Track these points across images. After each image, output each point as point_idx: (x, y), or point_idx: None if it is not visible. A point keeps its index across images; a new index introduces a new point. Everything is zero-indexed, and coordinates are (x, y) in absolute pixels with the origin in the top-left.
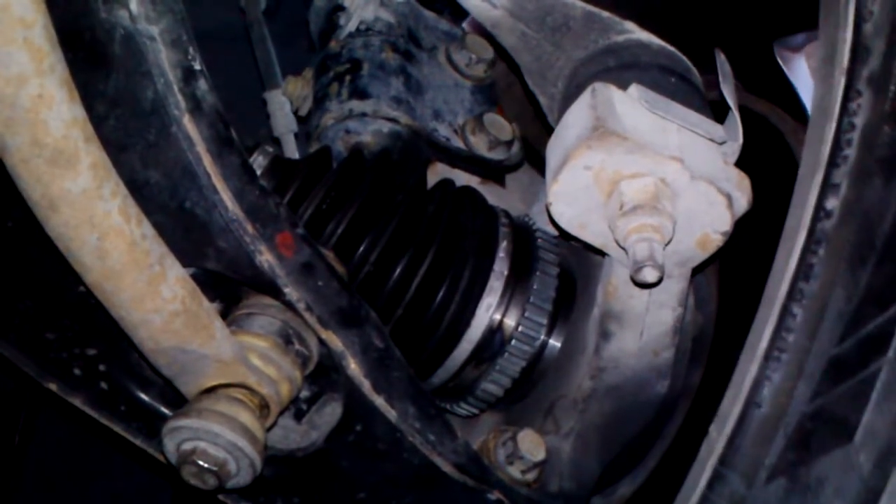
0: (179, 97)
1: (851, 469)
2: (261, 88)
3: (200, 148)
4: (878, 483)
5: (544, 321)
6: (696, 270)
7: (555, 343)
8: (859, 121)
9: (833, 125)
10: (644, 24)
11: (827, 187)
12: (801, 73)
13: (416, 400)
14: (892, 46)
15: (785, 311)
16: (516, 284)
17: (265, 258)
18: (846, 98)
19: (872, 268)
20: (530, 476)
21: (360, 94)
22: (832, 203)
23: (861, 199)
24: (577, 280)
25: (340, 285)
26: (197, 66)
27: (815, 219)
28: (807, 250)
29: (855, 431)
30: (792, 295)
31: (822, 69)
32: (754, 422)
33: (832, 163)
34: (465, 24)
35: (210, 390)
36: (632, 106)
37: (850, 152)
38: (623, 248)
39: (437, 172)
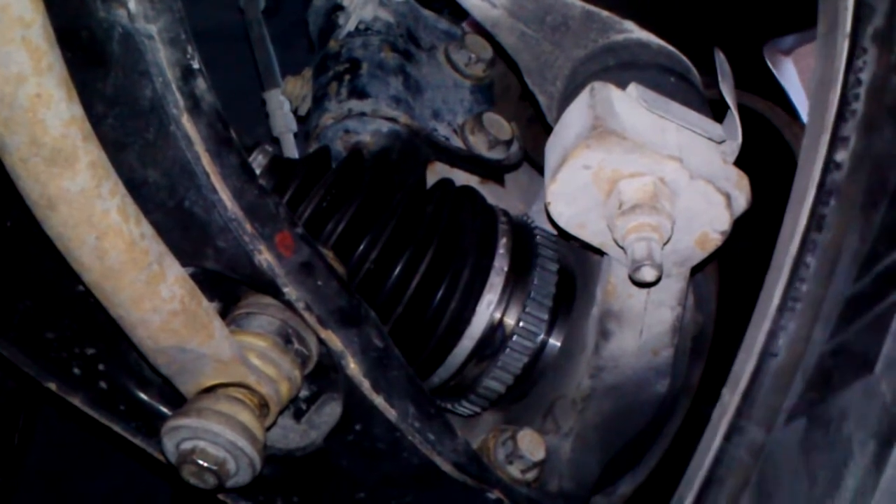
0: (178, 96)
1: (873, 399)
2: (260, 88)
3: (199, 147)
4: None
5: (545, 317)
6: (696, 269)
7: (555, 342)
8: (865, 75)
9: (839, 84)
10: (643, 24)
11: (836, 141)
12: (791, 77)
13: (415, 399)
14: None
15: (798, 262)
16: (516, 281)
17: (264, 257)
18: (851, 56)
19: (885, 209)
20: (530, 475)
21: (359, 93)
22: (842, 156)
23: (871, 147)
24: (577, 279)
25: (340, 285)
26: (195, 65)
27: (825, 171)
28: (818, 202)
29: (875, 362)
30: (805, 246)
31: (824, 41)
32: (770, 371)
33: (840, 117)
34: (464, 24)
35: (209, 390)
36: (631, 105)
37: (858, 106)
38: (622, 248)
39: (437, 172)
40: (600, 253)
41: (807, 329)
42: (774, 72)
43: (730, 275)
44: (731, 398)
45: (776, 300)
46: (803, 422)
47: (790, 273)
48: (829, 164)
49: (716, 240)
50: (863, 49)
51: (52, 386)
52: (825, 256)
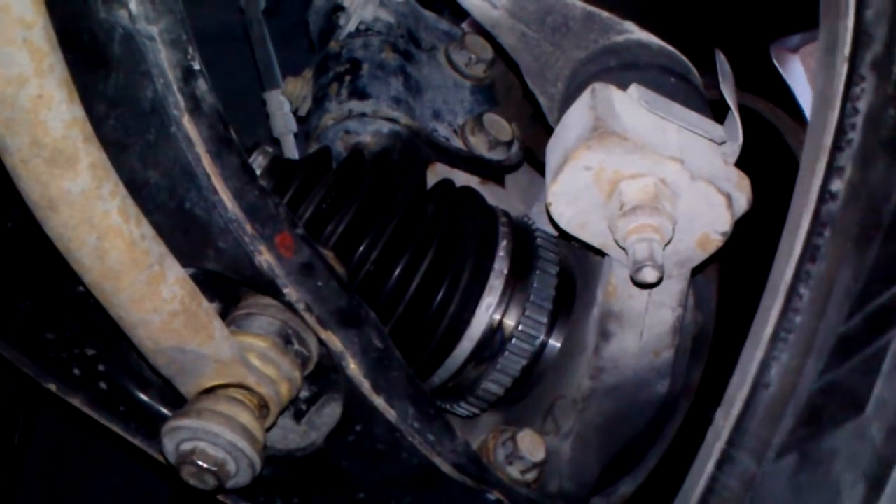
0: (179, 97)
1: (863, 440)
2: (260, 88)
3: (200, 148)
4: (891, 453)
5: (544, 320)
6: (696, 270)
7: (555, 343)
8: (863, 105)
9: (836, 111)
10: (644, 25)
11: (831, 171)
12: (798, 75)
13: (415, 400)
14: (895, 31)
15: (791, 293)
16: (516, 284)
17: (265, 258)
18: (849, 83)
19: (879, 246)
20: (530, 476)
21: (360, 94)
22: (837, 186)
23: (866, 180)
24: (577, 280)
25: (340, 285)
26: (196, 66)
27: (821, 201)
28: (812, 233)
29: (866, 403)
30: (798, 276)
31: (824, 59)
32: (762, 402)
33: (836, 147)
34: (464, 24)
35: (209, 390)
36: (631, 106)
37: (854, 136)
38: (623, 249)
39: (437, 172)
40: (601, 254)
41: (799, 362)
42: (781, 70)
43: (731, 276)
44: (724, 424)
45: (770, 328)
46: (794, 458)
47: (784, 302)
48: (825, 194)
49: (717, 241)
50: (861, 76)
51: (52, 387)
52: (819, 289)
